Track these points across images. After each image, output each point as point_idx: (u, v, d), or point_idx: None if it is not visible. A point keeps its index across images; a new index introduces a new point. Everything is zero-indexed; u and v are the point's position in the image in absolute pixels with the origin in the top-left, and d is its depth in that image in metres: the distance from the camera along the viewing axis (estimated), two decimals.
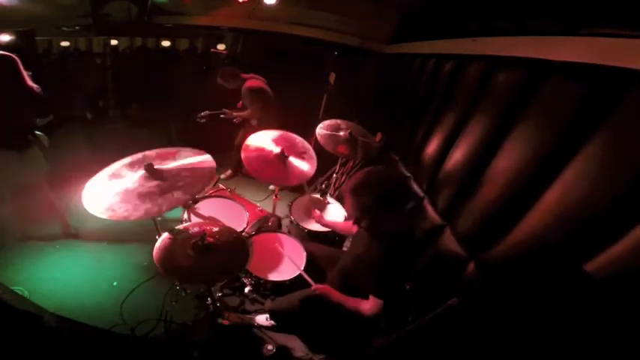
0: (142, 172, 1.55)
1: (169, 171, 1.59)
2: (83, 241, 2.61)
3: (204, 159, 1.71)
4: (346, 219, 2.37)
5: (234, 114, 3.42)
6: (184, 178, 1.56)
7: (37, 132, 2.23)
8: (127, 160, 1.66)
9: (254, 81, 3.33)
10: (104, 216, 1.31)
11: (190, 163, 1.67)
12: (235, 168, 3.83)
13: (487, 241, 1.51)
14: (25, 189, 2.33)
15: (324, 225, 2.17)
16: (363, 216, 1.42)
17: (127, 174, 1.56)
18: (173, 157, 1.70)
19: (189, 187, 1.52)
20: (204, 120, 3.37)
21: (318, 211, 2.21)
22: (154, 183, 1.50)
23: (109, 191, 1.45)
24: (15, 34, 3.33)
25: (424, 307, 1.45)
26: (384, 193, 1.34)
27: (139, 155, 1.69)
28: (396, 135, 3.04)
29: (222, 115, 3.42)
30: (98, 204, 1.37)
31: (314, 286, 1.70)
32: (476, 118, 1.83)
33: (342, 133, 2.48)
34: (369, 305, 1.50)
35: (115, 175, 1.56)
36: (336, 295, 1.63)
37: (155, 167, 1.54)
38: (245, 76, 3.35)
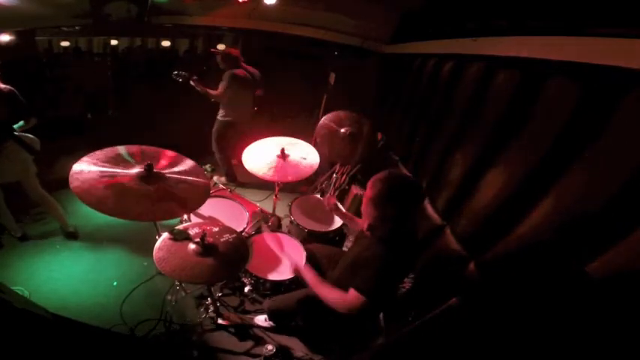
0: (138, 169, 1.54)
1: (168, 179, 1.58)
2: (83, 241, 2.61)
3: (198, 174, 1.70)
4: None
5: (201, 87, 3.16)
6: (181, 190, 1.56)
7: (28, 134, 2.18)
8: (123, 151, 1.65)
9: (242, 71, 3.18)
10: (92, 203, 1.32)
11: (186, 175, 1.66)
12: (227, 169, 3.58)
13: (487, 241, 1.50)
14: (21, 190, 2.32)
15: (337, 214, 2.12)
16: (384, 224, 1.40)
17: (121, 166, 1.55)
18: (169, 161, 1.70)
19: (186, 202, 1.53)
20: (180, 80, 3.20)
21: (333, 200, 2.11)
22: (151, 186, 1.50)
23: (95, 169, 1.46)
24: (15, 34, 3.33)
25: (424, 307, 1.45)
26: (408, 202, 1.33)
27: (135, 148, 1.68)
28: (395, 135, 3.04)
29: (192, 83, 3.13)
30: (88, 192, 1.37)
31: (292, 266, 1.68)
32: (476, 118, 1.83)
33: (342, 131, 2.49)
34: (341, 296, 1.40)
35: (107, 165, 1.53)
36: (311, 276, 1.56)
37: (154, 171, 1.54)
38: (244, 65, 3.23)
